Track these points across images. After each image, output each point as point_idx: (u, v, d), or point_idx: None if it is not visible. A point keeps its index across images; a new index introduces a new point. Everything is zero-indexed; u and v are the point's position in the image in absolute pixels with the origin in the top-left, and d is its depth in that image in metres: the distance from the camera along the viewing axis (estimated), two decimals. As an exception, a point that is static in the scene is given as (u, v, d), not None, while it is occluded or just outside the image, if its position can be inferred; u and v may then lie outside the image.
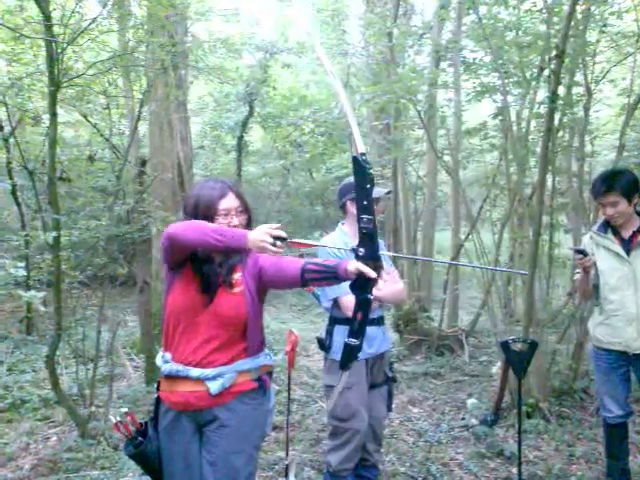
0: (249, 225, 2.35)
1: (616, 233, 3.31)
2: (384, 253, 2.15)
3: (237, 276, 2.32)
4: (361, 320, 2.09)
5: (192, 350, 2.24)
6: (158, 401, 2.39)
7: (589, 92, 5.23)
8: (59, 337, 4.18)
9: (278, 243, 1.98)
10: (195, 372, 2.22)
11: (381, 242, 3.49)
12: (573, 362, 5.01)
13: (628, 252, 3.24)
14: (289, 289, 2.32)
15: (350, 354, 2.14)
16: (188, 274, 2.29)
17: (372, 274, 1.97)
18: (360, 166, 1.97)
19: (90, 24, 4.15)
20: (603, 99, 6.83)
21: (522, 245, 5.05)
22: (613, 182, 3.17)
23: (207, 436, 2.30)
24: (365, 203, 1.99)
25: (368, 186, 1.98)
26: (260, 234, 1.97)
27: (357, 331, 2.11)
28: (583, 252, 3.23)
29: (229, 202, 2.28)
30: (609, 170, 3.46)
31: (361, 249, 2.01)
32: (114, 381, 4.91)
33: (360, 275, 2.00)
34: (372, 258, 2.00)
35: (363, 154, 1.98)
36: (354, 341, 2.11)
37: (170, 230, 2.14)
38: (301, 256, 3.80)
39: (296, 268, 2.16)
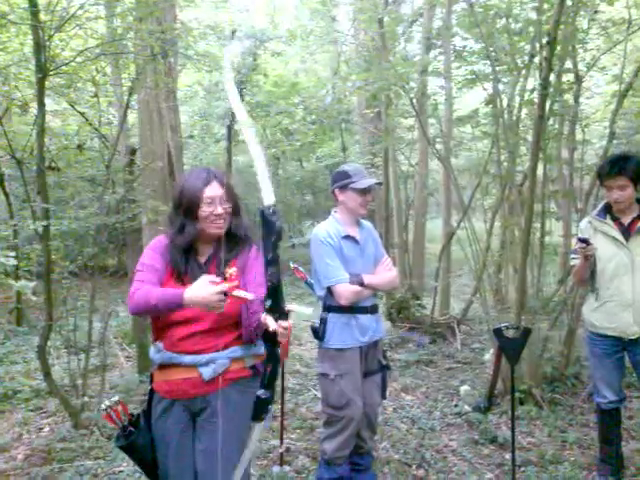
0: (236, 213, 2.35)
1: (615, 219, 3.32)
2: (292, 308, 2.15)
3: (232, 270, 2.31)
4: (271, 373, 2.16)
5: (184, 338, 2.23)
6: (151, 393, 2.37)
7: (579, 79, 5.22)
8: (50, 327, 4.15)
9: (223, 297, 2.01)
10: (188, 358, 2.22)
11: (372, 228, 3.49)
12: (565, 348, 5.04)
13: (627, 238, 3.25)
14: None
15: (261, 407, 2.19)
16: (170, 274, 2.30)
17: (271, 326, 2.02)
18: (267, 219, 1.99)
19: (77, 10, 4.09)
20: (593, 87, 6.84)
21: (513, 232, 5.06)
22: (623, 165, 3.19)
23: (200, 425, 2.29)
24: (270, 256, 2.01)
25: (274, 239, 2.00)
26: (203, 292, 2.01)
27: (267, 384, 2.17)
28: (587, 241, 3.23)
29: (213, 190, 2.27)
30: (619, 154, 3.46)
31: (268, 301, 2.05)
32: (106, 371, 4.89)
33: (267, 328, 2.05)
34: (277, 310, 2.05)
35: (271, 206, 2.00)
36: (266, 394, 2.17)
37: (130, 310, 2.21)
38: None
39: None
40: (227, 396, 2.25)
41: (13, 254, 3.22)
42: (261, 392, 2.17)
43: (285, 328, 2.05)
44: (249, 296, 2.04)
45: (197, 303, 2.03)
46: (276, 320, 2.03)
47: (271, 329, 2.02)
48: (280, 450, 3.78)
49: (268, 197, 2.00)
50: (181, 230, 2.29)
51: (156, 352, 2.30)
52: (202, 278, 2.05)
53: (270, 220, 1.98)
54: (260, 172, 2.03)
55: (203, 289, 2.01)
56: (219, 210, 2.27)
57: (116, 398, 2.23)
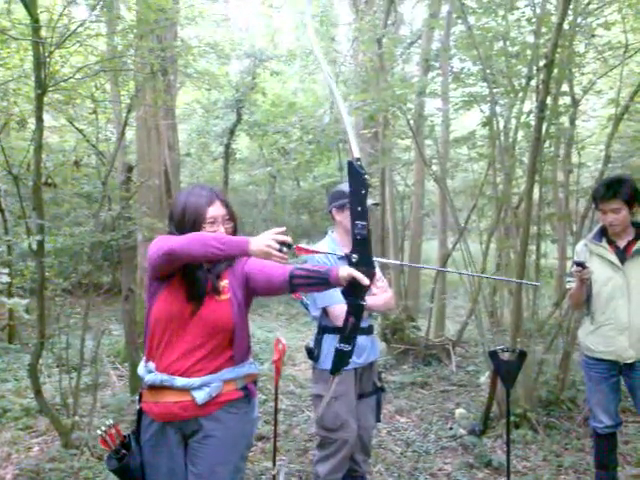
0: (235, 233, 2.33)
1: (611, 242, 3.32)
2: (377, 260, 2.13)
3: (224, 283, 2.28)
4: (353, 325, 2.07)
5: (177, 359, 2.19)
6: (140, 413, 2.32)
7: (575, 103, 5.26)
8: (42, 345, 4.10)
9: (284, 249, 1.96)
10: (180, 381, 2.17)
11: None
12: (560, 372, 5.01)
13: (622, 262, 3.24)
14: (276, 295, 2.30)
15: (341, 360, 2.12)
16: (175, 283, 2.24)
17: (365, 281, 1.95)
18: (355, 171, 1.96)
19: (78, 27, 4.10)
20: (589, 110, 6.89)
21: (509, 255, 5.06)
22: (618, 189, 3.19)
23: (192, 447, 2.24)
24: (359, 209, 1.97)
25: (363, 192, 1.96)
26: (265, 240, 1.95)
27: (348, 337, 2.09)
28: (582, 265, 3.22)
29: (216, 210, 2.25)
30: (613, 177, 3.48)
31: (354, 255, 1.99)
32: (98, 390, 4.83)
33: (353, 281, 1.97)
34: (365, 264, 1.98)
35: (358, 159, 1.96)
36: (346, 347, 2.09)
37: (171, 246, 2.05)
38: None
39: (284, 274, 2.12)
40: (219, 418, 2.22)
41: (6, 271, 3.20)
42: (341, 345, 2.10)
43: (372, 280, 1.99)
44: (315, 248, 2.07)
45: (260, 250, 1.95)
46: (364, 274, 1.96)
47: (365, 283, 1.95)
48: (273, 472, 3.73)
49: (355, 150, 1.99)
50: None
51: (147, 372, 2.25)
52: (267, 232, 2.01)
53: (359, 172, 1.96)
54: (347, 126, 2.05)
55: (265, 237, 1.97)
56: (221, 230, 2.24)
57: (110, 421, 2.18)
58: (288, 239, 1.98)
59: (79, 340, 4.59)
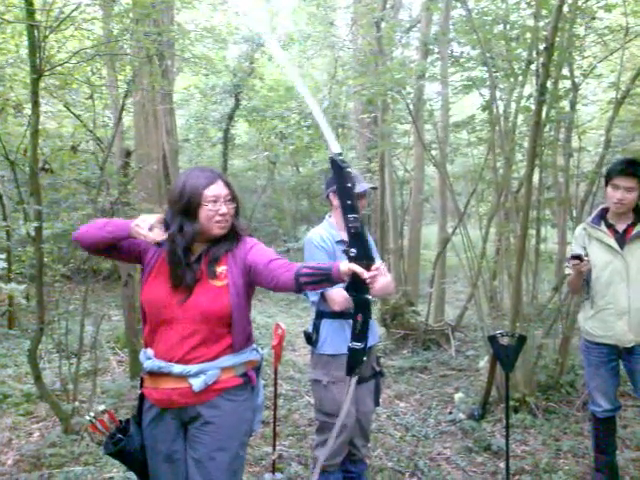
0: (237, 214, 2.29)
1: (609, 226, 3.30)
2: None
3: (221, 269, 2.23)
4: (362, 322, 2.04)
5: (173, 346, 2.18)
6: (142, 398, 2.33)
7: (575, 87, 5.22)
8: (42, 331, 4.10)
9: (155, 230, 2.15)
10: (177, 368, 2.16)
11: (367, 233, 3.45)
12: (559, 356, 5.01)
13: (622, 246, 3.23)
14: (281, 292, 2.29)
15: (356, 358, 2.09)
16: (161, 268, 2.23)
17: (365, 274, 1.92)
18: (337, 166, 1.93)
19: (74, 10, 4.06)
20: (589, 95, 6.85)
21: (509, 239, 5.04)
22: (637, 167, 3.18)
23: (192, 434, 2.24)
24: (349, 202, 1.94)
25: (349, 185, 1.93)
26: (136, 221, 2.16)
27: (359, 334, 2.06)
28: (579, 257, 3.20)
29: (218, 189, 2.20)
30: (631, 157, 3.51)
31: (352, 250, 1.96)
32: (98, 376, 4.84)
33: (354, 276, 1.95)
34: (364, 257, 1.95)
35: (340, 154, 1.94)
36: (358, 345, 2.06)
37: (74, 235, 2.29)
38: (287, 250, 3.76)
39: (290, 273, 2.07)
40: (218, 405, 2.21)
41: (3, 256, 3.19)
42: (353, 343, 2.06)
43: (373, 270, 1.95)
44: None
45: (132, 230, 2.16)
46: (365, 267, 1.92)
47: (365, 276, 1.91)
48: (272, 457, 3.75)
49: (334, 146, 1.95)
50: (180, 230, 2.18)
51: (146, 358, 2.25)
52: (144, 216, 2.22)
53: (341, 166, 1.92)
54: (321, 123, 1.99)
55: (138, 219, 2.17)
56: (224, 209, 2.19)
57: (102, 407, 2.19)
58: (154, 223, 2.16)
59: (79, 326, 4.59)
